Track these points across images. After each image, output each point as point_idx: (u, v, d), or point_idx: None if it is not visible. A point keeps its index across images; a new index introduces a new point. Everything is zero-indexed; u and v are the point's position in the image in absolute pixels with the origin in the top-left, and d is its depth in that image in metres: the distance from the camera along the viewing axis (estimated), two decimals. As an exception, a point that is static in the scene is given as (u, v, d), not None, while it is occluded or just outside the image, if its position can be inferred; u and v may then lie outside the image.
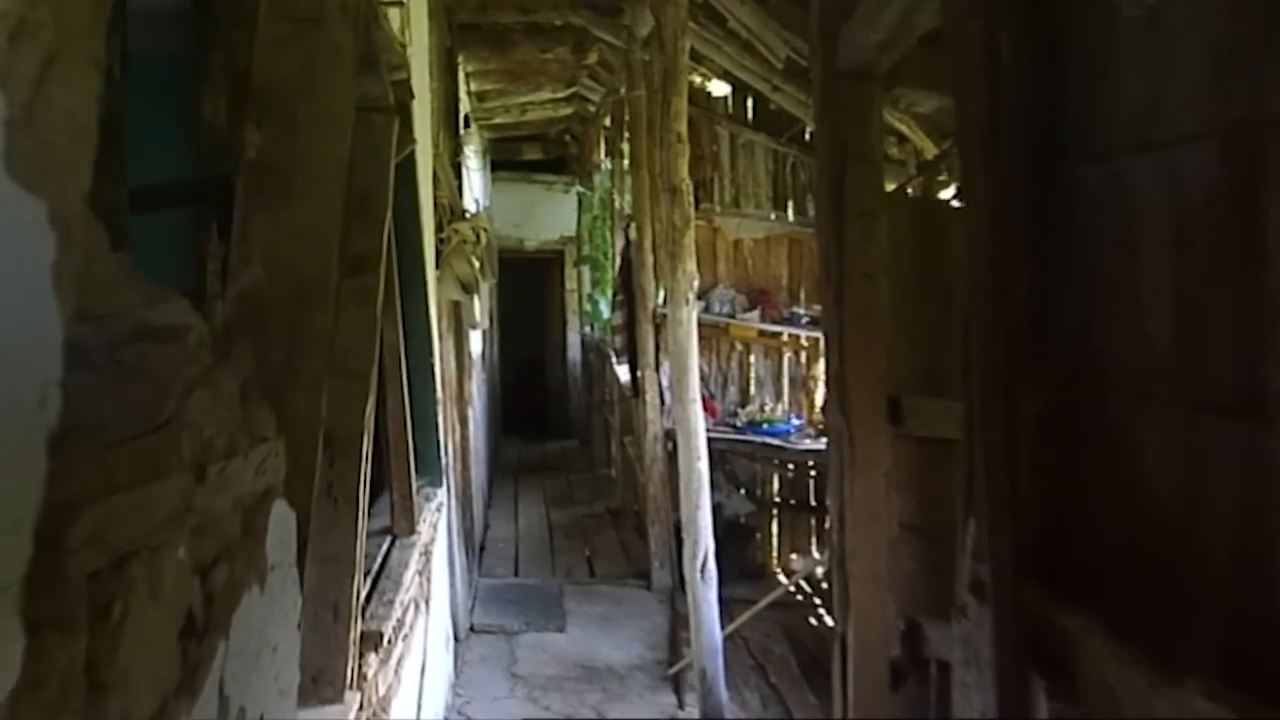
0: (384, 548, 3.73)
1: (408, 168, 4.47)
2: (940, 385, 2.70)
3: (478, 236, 5.49)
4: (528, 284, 15.49)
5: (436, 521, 4.61)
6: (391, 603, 3.21)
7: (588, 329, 13.03)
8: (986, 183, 1.49)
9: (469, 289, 5.42)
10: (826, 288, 2.61)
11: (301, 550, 1.81)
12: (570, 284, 14.64)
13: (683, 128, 5.32)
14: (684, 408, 5.35)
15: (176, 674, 1.42)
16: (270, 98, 1.76)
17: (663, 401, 7.72)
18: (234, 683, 1.55)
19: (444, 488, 4.91)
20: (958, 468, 2.86)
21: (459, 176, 7.24)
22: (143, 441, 1.33)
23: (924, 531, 2.74)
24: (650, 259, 7.64)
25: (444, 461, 5.03)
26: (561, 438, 14.61)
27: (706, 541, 5.49)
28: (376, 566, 3.49)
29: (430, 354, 4.61)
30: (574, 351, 14.91)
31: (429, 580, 4.24)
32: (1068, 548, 1.58)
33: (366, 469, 2.84)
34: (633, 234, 7.81)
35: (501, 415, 14.45)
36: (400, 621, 3.33)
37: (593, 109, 11.56)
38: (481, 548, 8.65)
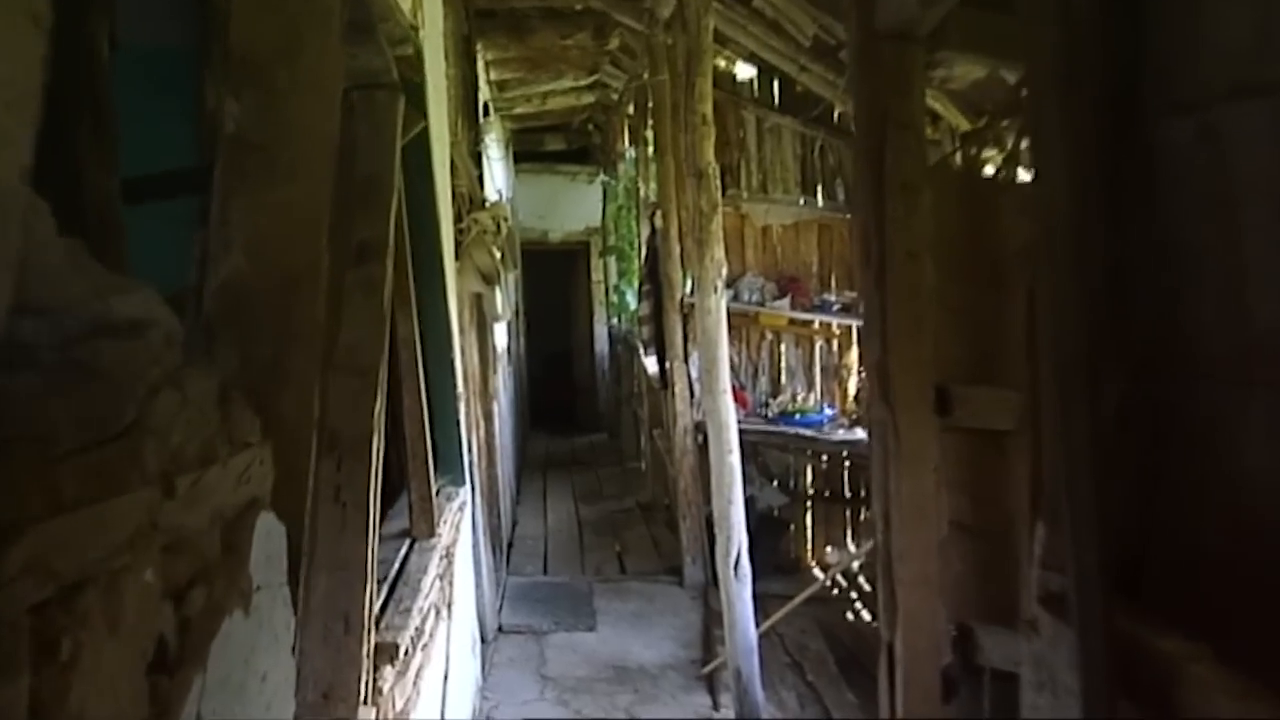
0: (402, 552, 3.56)
1: (422, 154, 4.31)
2: (990, 372, 2.51)
3: (498, 226, 5.32)
4: (553, 276, 15.33)
5: (459, 522, 4.45)
6: (409, 611, 3.04)
7: (615, 321, 12.86)
8: (1061, 141, 1.30)
9: (490, 280, 5.26)
10: (866, 269, 2.41)
11: (294, 566, 1.64)
12: (596, 275, 14.46)
13: (708, 109, 5.12)
14: (714, 399, 5.16)
15: (144, 714, 1.26)
16: (250, 66, 1.58)
17: (692, 393, 7.54)
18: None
19: (467, 486, 4.75)
20: (1012, 461, 2.67)
21: (479, 166, 7.08)
22: (97, 452, 1.16)
23: (975, 530, 2.54)
24: (676, 248, 7.45)
25: (467, 459, 4.87)
26: (590, 431, 14.45)
27: (740, 537, 5.30)
28: (394, 572, 3.33)
29: (450, 348, 4.45)
30: (601, 344, 14.74)
31: (451, 584, 4.08)
32: (1153, 556, 1.39)
33: (378, 471, 2.67)
34: (658, 222, 7.62)
35: (529, 409, 14.31)
36: (419, 630, 3.16)
37: (615, 97, 11.36)
38: (509, 545, 8.50)
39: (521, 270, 14.33)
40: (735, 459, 5.21)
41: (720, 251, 5.11)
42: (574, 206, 14.28)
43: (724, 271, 5.19)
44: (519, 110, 11.18)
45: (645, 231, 8.77)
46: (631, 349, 11.31)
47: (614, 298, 11.75)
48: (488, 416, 7.38)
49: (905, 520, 2.31)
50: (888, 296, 2.30)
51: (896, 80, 2.28)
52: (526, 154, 13.89)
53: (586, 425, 14.72)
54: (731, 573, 5.29)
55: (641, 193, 9.83)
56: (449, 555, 4.05)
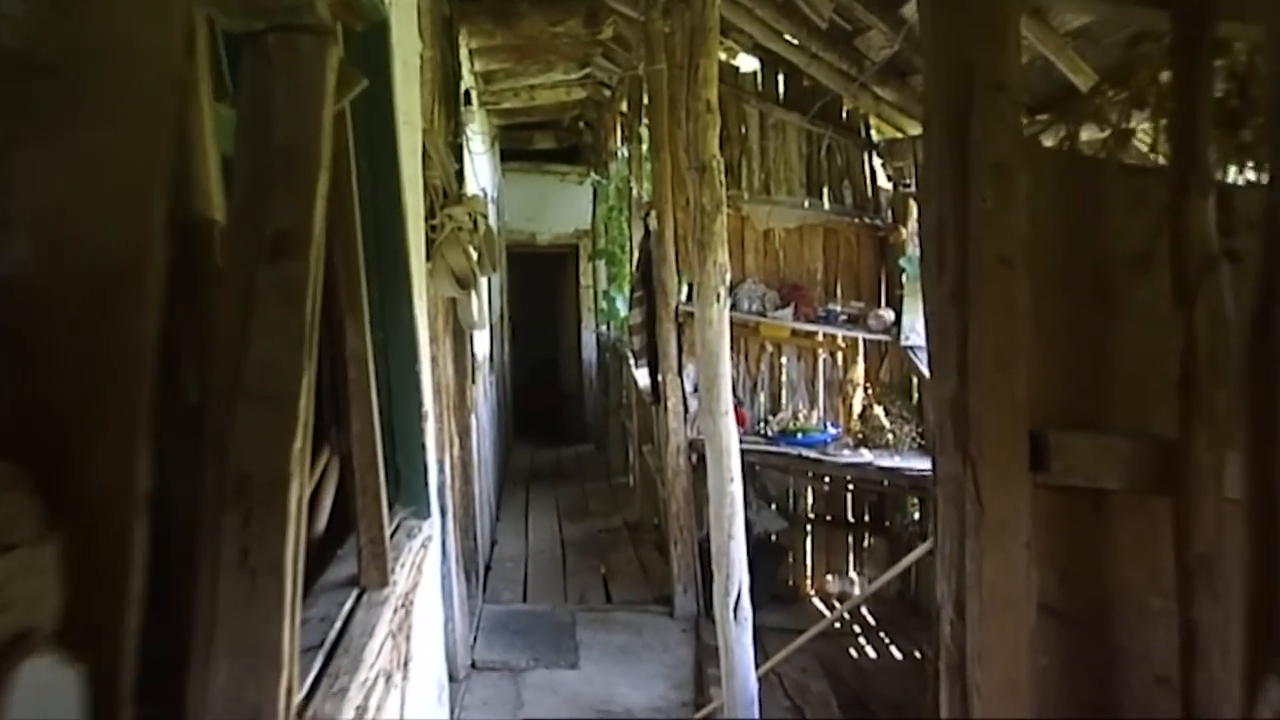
0: (346, 607, 2.97)
1: (385, 137, 3.75)
2: (1092, 414, 1.94)
3: (475, 223, 4.74)
4: (540, 281, 14.79)
5: (422, 560, 3.86)
6: (346, 690, 2.46)
7: (604, 328, 12.27)
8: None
9: (465, 284, 4.68)
10: (938, 278, 1.84)
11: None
12: (585, 280, 13.89)
13: (712, 95, 4.54)
14: (714, 421, 4.59)
15: None
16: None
17: (686, 409, 6.97)
18: None
19: (434, 517, 4.16)
20: (1113, 527, 2.11)
21: (459, 160, 6.50)
22: None
23: (1066, 615, 1.97)
24: (672, 251, 6.88)
25: (435, 485, 4.29)
26: (576, 442, 13.86)
27: (740, 575, 4.74)
28: (332, 636, 2.74)
29: (415, 362, 3.87)
30: (589, 351, 14.17)
31: (409, 638, 3.49)
32: None
33: (301, 523, 2.10)
34: (652, 223, 7.04)
35: (513, 419, 13.74)
36: (361, 708, 2.58)
37: (608, 92, 10.79)
38: (487, 568, 7.91)
39: (508, 273, 13.83)
40: (737, 488, 4.64)
41: (724, 255, 4.54)
42: (563, 208, 13.72)
43: (727, 277, 4.62)
44: (506, 105, 10.60)
45: (638, 234, 8.20)
46: (620, 358, 10.75)
47: (603, 303, 11.16)
48: (464, 432, 6.81)
49: (987, 611, 1.74)
50: (971, 314, 1.73)
51: (986, 26, 1.71)
52: (514, 152, 13.32)
53: (573, 435, 14.14)
54: (730, 615, 4.72)
55: (634, 193, 9.24)
56: (406, 605, 3.46)
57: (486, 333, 9.53)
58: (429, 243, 4.65)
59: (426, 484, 4.00)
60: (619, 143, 10.96)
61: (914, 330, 7.02)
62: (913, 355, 6.91)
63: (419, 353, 3.92)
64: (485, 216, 4.88)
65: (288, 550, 2.00)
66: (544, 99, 10.65)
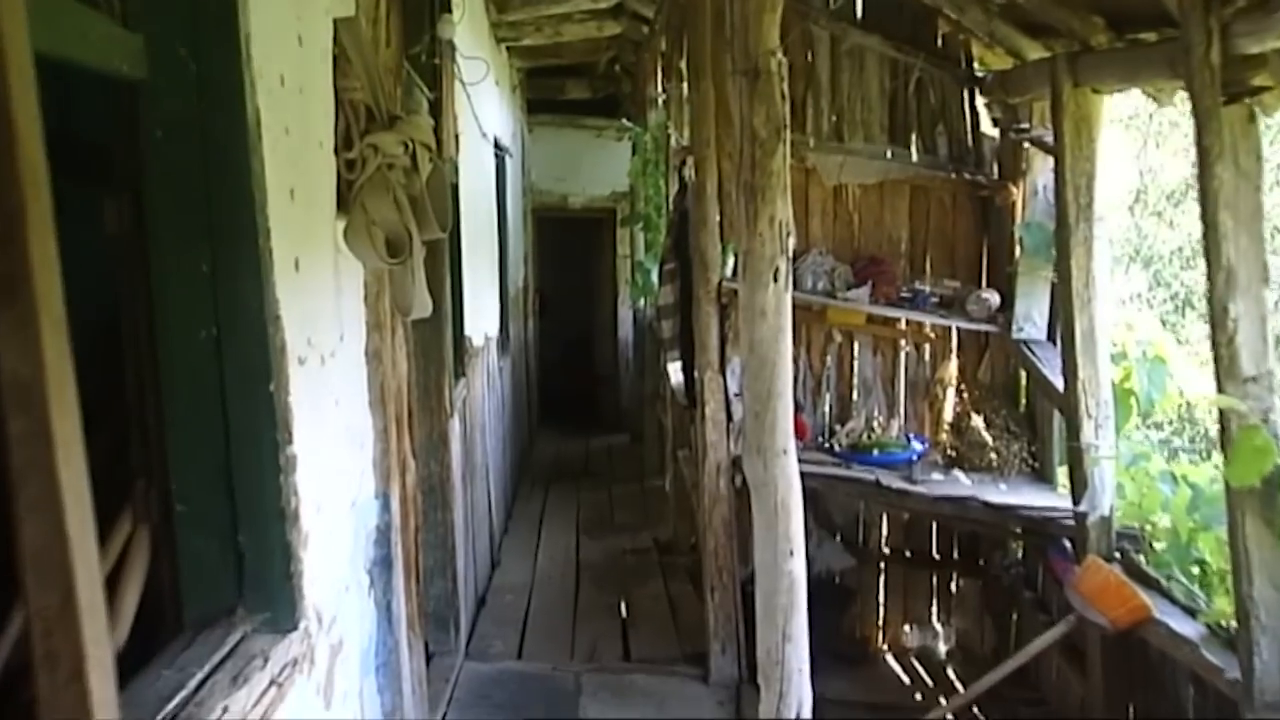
0: None
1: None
2: None
3: (413, 158, 3.16)
4: (573, 249, 13.24)
5: (273, 706, 2.32)
6: None
7: (641, 303, 10.65)
8: None
9: (398, 248, 3.10)
10: None
11: None
12: (623, 248, 12.27)
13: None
14: (765, 464, 3.00)
15: None
16: None
17: (729, 417, 5.37)
18: None
19: (306, 625, 2.58)
20: None
21: (433, 84, 4.92)
22: None
23: None
24: (715, 210, 5.26)
25: (314, 570, 2.75)
26: (609, 431, 12.28)
27: (801, 694, 3.15)
28: None
29: (267, 378, 2.30)
30: (626, 329, 12.56)
31: None
32: None
33: None
34: (689, 174, 5.41)
35: (539, 404, 12.21)
36: None
37: (646, 29, 9.16)
38: (479, 603, 6.37)
39: (535, 240, 12.30)
40: (798, 565, 3.04)
41: (785, 209, 2.94)
42: (599, 167, 12.11)
43: (790, 243, 2.99)
44: (528, 41, 8.97)
45: (674, 189, 6.57)
46: (657, 340, 9.16)
47: (638, 276, 9.54)
48: (441, 442, 5.26)
49: None
50: None
51: None
52: (543, 103, 11.75)
53: (606, 423, 12.57)
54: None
55: (671, 139, 7.59)
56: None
57: (495, 308, 7.98)
58: (347, 187, 3.09)
59: (290, 574, 2.43)
60: (658, 88, 9.31)
61: (1030, 319, 5.35)
62: (1028, 352, 5.24)
63: (275, 361, 2.35)
64: (431, 149, 3.28)
65: None
66: (573, 35, 9.01)
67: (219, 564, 2.36)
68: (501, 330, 8.38)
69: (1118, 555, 4.25)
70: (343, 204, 3.09)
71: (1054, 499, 5.02)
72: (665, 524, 7.99)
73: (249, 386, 2.30)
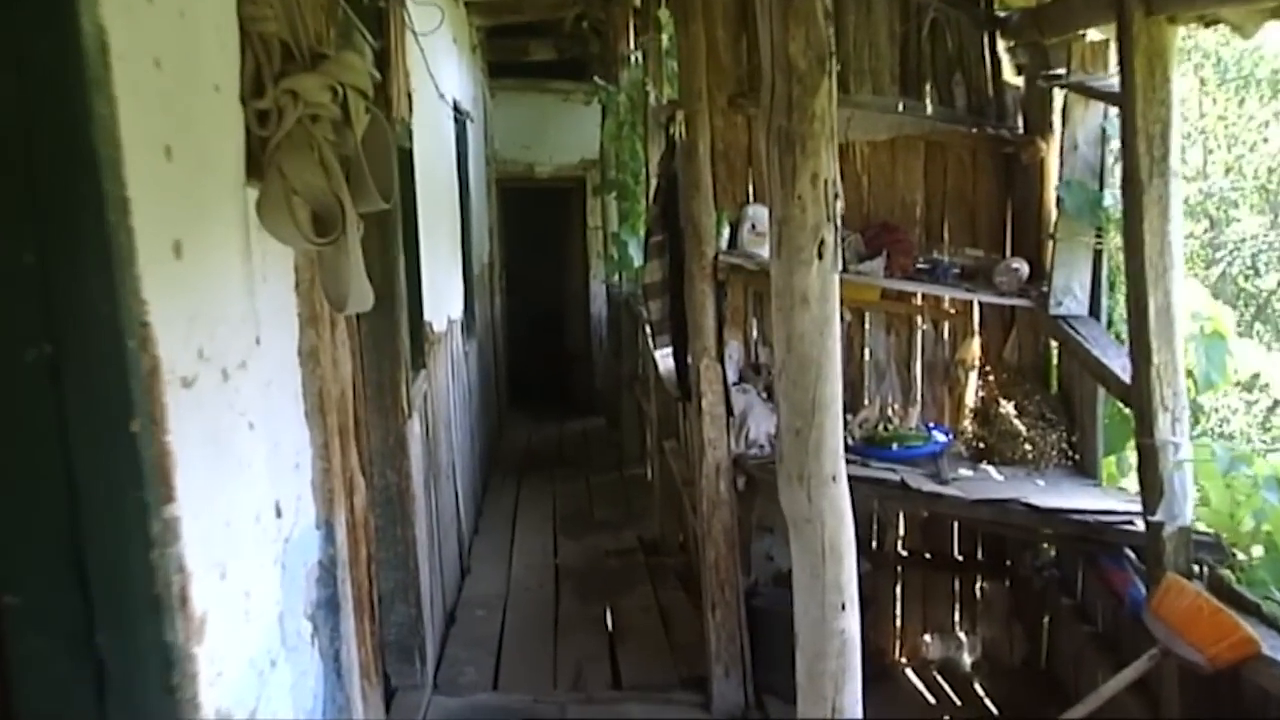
0: None
1: None
2: None
3: (345, 108, 2.45)
4: (540, 220, 12.50)
5: None
6: None
7: (615, 278, 9.92)
8: None
9: (328, 225, 2.39)
10: None
11: None
12: (594, 219, 11.55)
13: None
14: (810, 495, 2.31)
15: None
16: None
17: (730, 411, 4.70)
18: None
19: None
20: None
21: (378, 32, 4.19)
22: None
23: None
24: (708, 172, 4.57)
25: (191, 633, 2.06)
26: (583, 414, 11.57)
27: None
28: None
29: (128, 410, 1.59)
30: (599, 304, 11.85)
31: None
32: None
33: None
34: (678, 132, 4.70)
35: (508, 387, 11.50)
36: None
37: (618, -20, 8.43)
38: (450, 619, 5.69)
39: (500, 211, 11.55)
40: (852, 623, 2.37)
41: (832, 164, 2.26)
42: (566, 134, 11.37)
43: (838, 208, 2.30)
44: (488, -5, 8.21)
45: (658, 152, 5.85)
46: (635, 318, 8.46)
47: (613, 249, 8.81)
48: (398, 447, 4.57)
49: None
50: None
51: None
52: (506, 66, 10.96)
53: (579, 405, 11.86)
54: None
55: (651, 100, 6.84)
56: None
57: (458, 288, 7.26)
58: (259, 146, 2.37)
59: (173, 685, 1.73)
60: (631, 45, 8.56)
61: (1070, 292, 4.69)
62: (1069, 329, 4.58)
63: (141, 388, 1.65)
64: (367, 96, 2.56)
65: None
66: (535, -15, 8.25)
67: (68, 676, 1.66)
68: (466, 311, 7.65)
69: (1196, 569, 3.60)
70: (256, 168, 2.38)
71: (1105, 499, 4.38)
72: (650, 520, 7.32)
73: (101, 426, 1.61)
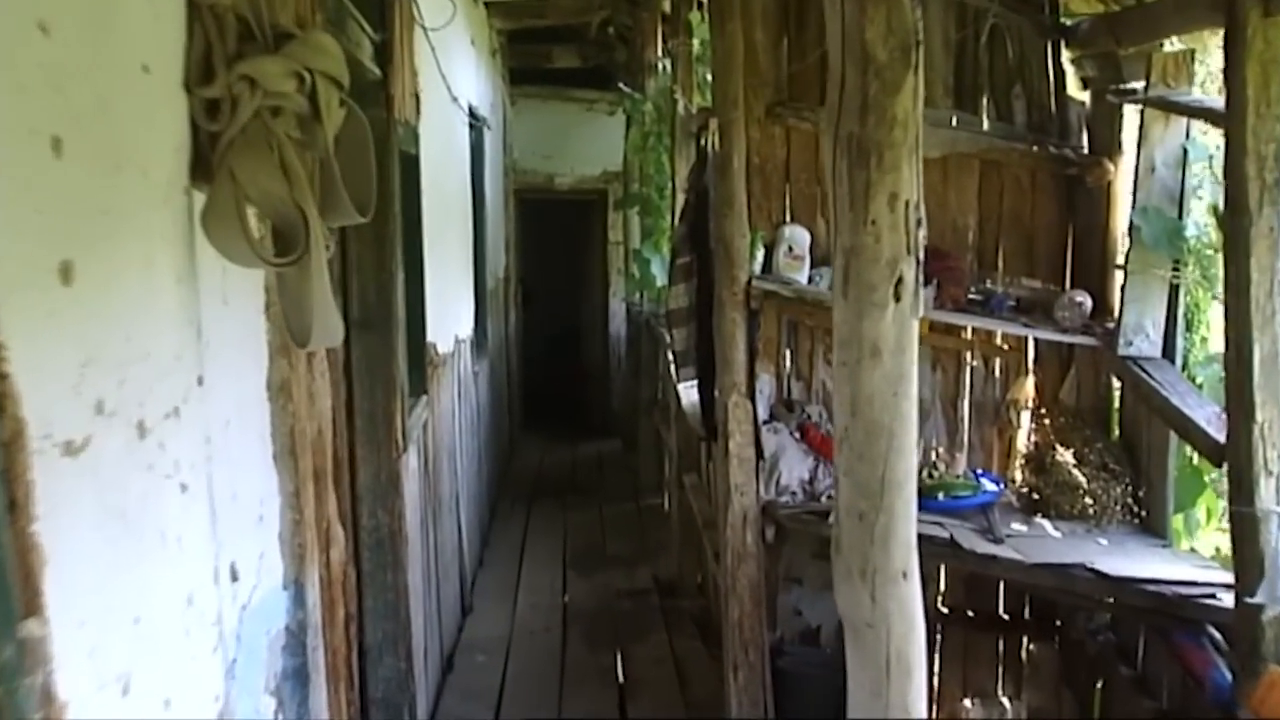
0: None
1: None
2: None
3: (313, 99, 2.00)
4: (559, 234, 12.12)
5: None
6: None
7: (638, 296, 9.46)
8: None
9: (290, 242, 1.94)
10: None
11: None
12: (614, 234, 11.13)
13: None
14: (875, 592, 1.85)
15: None
16: None
17: (759, 452, 4.23)
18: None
19: None
20: None
21: (380, 24, 3.76)
22: None
23: None
24: (742, 188, 4.12)
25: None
26: (599, 435, 11.14)
27: None
28: None
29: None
30: (618, 322, 11.42)
31: None
32: None
33: None
34: (711, 142, 4.24)
35: (521, 405, 11.07)
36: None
37: (648, -15, 8.01)
38: (447, 666, 5.23)
39: (518, 224, 11.13)
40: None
41: (915, 182, 1.79)
42: (589, 144, 11.00)
43: (921, 235, 1.83)
44: (509, -5, 7.78)
45: (685, 165, 5.39)
46: (655, 339, 8.01)
47: (634, 266, 8.35)
48: (392, 483, 4.11)
49: None
50: None
51: None
52: (528, 73, 10.57)
53: (595, 427, 11.43)
54: None
55: (680, 109, 6.39)
56: None
57: (469, 304, 6.82)
58: (206, 142, 1.93)
59: None
60: (660, 52, 8.13)
61: (1142, 331, 4.21)
62: (1140, 372, 4.11)
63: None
64: (342, 85, 2.11)
65: None
66: (561, -12, 7.82)
67: None
68: (477, 329, 7.21)
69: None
70: (203, 170, 1.94)
71: (1179, 564, 3.90)
72: (666, 557, 6.85)
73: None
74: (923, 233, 1.79)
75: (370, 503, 4.10)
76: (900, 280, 1.76)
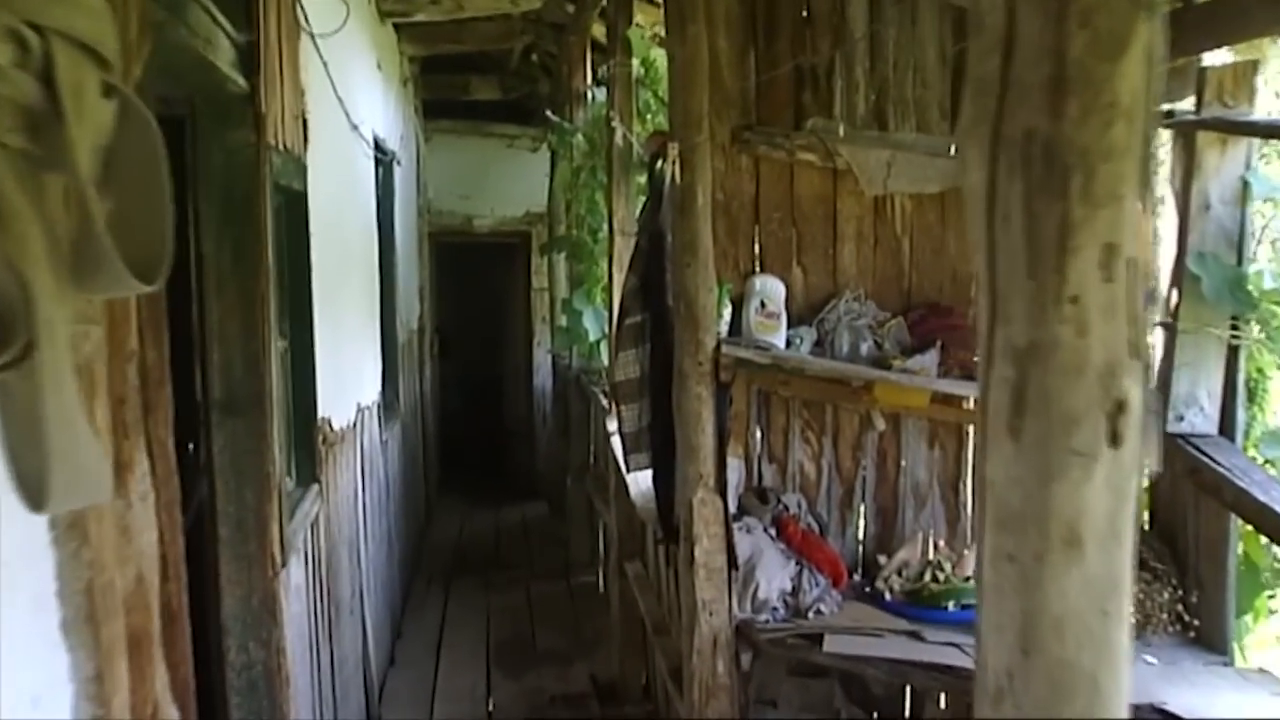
0: None
1: None
2: None
3: (48, 81, 1.16)
4: (480, 279, 11.27)
5: None
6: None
7: (567, 351, 8.58)
8: None
9: (4, 331, 1.08)
10: None
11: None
12: (539, 280, 10.29)
13: None
14: None
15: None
16: None
17: (732, 561, 3.38)
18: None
19: None
20: None
21: (245, 24, 2.89)
22: None
23: None
24: (708, 231, 3.29)
25: None
26: (523, 498, 10.23)
27: None
28: None
29: None
30: (543, 375, 10.56)
31: None
32: None
33: None
34: (671, 172, 3.41)
35: (439, 463, 10.15)
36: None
37: (572, 7, 7.20)
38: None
39: (434, 269, 10.26)
40: None
41: (1147, 220, 1.00)
42: (511, 184, 10.19)
43: (1154, 315, 1.03)
44: (422, 17, 6.91)
45: (623, 203, 4.55)
46: (587, 396, 7.15)
47: (561, 318, 7.48)
48: (267, 609, 3.20)
49: None
50: None
51: None
52: (444, 105, 9.73)
53: (520, 487, 10.51)
54: None
55: (618, 140, 5.53)
56: None
57: (375, 365, 5.91)
58: None
59: None
60: (590, 79, 7.32)
61: (1195, 403, 3.43)
62: (1196, 453, 3.34)
63: None
64: (108, 64, 1.25)
65: None
66: (477, 7, 6.95)
67: None
68: (386, 389, 6.30)
69: None
70: None
71: (1252, 691, 3.12)
72: (606, 653, 5.94)
73: None
74: (1155, 315, 0.95)
75: (240, 635, 3.19)
76: (1122, 407, 0.95)
